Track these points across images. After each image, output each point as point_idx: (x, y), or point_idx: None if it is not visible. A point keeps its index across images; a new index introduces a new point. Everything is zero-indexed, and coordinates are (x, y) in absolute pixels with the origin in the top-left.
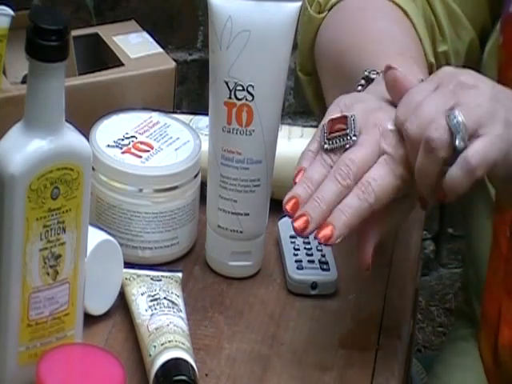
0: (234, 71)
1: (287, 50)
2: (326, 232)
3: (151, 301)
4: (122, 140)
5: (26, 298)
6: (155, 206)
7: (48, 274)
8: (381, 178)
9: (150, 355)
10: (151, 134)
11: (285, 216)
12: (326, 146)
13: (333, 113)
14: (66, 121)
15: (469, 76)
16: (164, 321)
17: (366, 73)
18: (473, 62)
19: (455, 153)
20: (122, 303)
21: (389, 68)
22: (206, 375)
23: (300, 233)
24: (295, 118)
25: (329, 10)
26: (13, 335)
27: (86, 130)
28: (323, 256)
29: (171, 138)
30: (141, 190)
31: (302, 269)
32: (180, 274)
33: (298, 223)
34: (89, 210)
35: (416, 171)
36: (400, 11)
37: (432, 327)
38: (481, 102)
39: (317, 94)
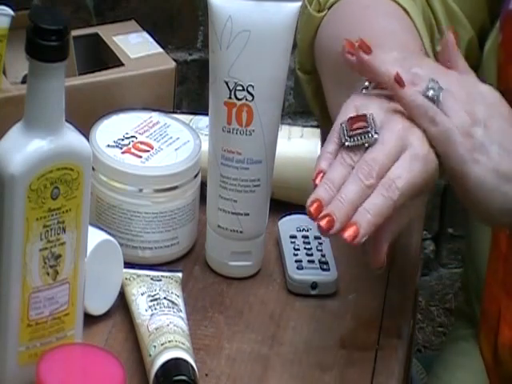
0: (234, 71)
1: (287, 50)
2: (350, 232)
3: (151, 301)
4: (122, 140)
5: (26, 298)
6: (155, 206)
7: (48, 273)
8: (404, 174)
9: (150, 355)
10: (151, 134)
11: (285, 216)
12: (347, 143)
13: (348, 112)
14: (66, 121)
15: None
16: (164, 321)
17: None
18: (472, 62)
19: None
20: (122, 303)
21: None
22: (206, 375)
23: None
24: (295, 118)
25: (328, 9)
26: (13, 335)
27: (86, 130)
28: (323, 256)
29: (171, 137)
30: (141, 190)
31: (301, 269)
32: (180, 274)
33: (323, 223)
34: (89, 210)
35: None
36: (400, 9)
37: (432, 327)
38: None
39: (316, 93)
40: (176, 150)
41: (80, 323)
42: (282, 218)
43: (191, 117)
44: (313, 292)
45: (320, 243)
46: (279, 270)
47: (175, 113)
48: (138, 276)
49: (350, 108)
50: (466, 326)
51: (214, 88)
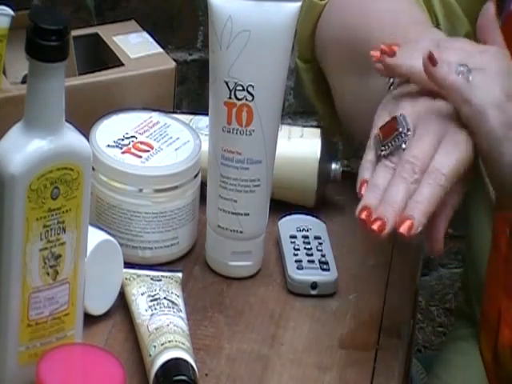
0: (234, 71)
1: (287, 50)
2: (405, 226)
3: (151, 301)
4: (122, 140)
5: (26, 298)
6: (155, 206)
7: (48, 273)
8: (446, 162)
9: (150, 355)
10: (151, 134)
11: (285, 216)
12: (383, 152)
13: (382, 118)
14: (66, 121)
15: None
16: (164, 321)
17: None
18: None
19: None
20: (122, 303)
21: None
22: (206, 375)
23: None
24: (295, 118)
25: None
26: (13, 335)
27: (86, 130)
28: (323, 256)
29: (171, 138)
30: (141, 190)
31: (301, 269)
32: (180, 274)
33: (375, 226)
34: (89, 210)
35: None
36: None
37: (432, 327)
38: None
39: (315, 82)
40: (176, 150)
41: (80, 323)
42: (281, 217)
43: (191, 117)
44: (313, 292)
45: (320, 243)
46: (279, 270)
47: (175, 113)
48: (138, 276)
49: (383, 113)
50: (466, 325)
51: (214, 88)
